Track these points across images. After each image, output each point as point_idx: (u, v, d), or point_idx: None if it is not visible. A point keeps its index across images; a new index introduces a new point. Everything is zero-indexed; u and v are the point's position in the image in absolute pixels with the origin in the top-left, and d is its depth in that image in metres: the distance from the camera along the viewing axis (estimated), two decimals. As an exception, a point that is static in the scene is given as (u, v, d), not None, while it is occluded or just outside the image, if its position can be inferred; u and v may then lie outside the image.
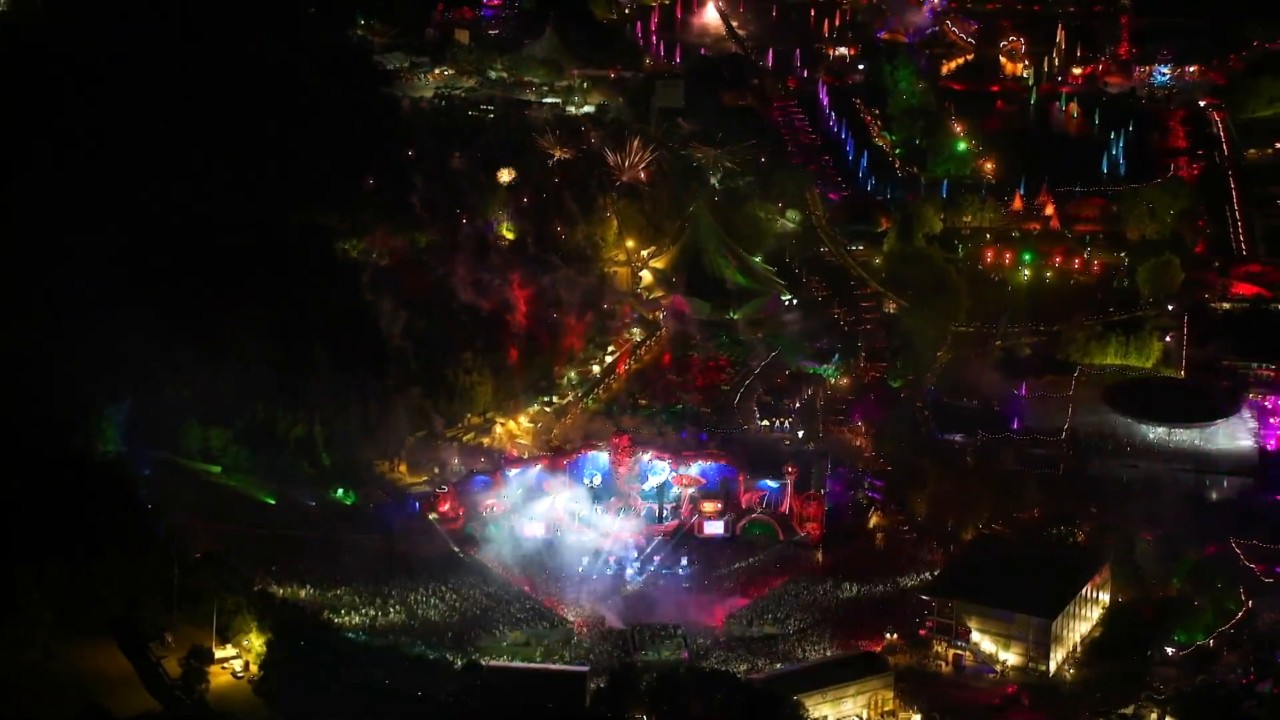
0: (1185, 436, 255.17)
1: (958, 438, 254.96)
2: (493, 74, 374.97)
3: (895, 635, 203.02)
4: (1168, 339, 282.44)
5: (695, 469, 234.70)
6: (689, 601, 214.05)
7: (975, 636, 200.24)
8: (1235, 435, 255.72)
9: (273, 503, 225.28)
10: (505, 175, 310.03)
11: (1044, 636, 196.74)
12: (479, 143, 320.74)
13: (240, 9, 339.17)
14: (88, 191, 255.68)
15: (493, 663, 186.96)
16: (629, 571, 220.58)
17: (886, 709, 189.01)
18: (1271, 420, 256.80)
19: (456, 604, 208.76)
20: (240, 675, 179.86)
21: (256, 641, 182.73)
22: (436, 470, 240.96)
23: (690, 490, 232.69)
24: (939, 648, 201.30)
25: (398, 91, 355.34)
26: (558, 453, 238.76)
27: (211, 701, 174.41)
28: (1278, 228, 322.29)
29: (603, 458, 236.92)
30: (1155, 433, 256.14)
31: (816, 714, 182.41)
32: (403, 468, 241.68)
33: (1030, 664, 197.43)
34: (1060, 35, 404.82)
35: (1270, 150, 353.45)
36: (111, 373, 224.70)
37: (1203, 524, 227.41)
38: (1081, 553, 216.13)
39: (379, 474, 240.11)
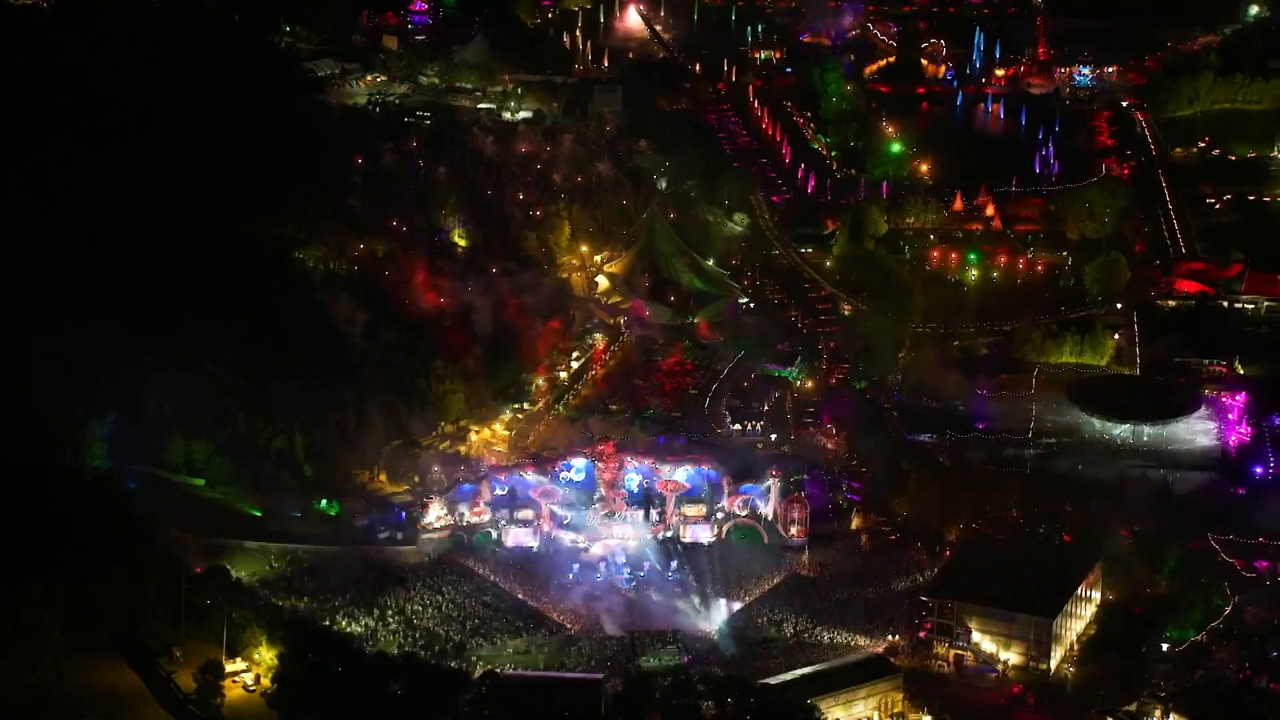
0: (1148, 433, 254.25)
1: (926, 438, 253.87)
2: (424, 80, 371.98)
3: (897, 637, 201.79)
4: (1115, 337, 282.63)
5: (679, 474, 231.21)
6: (682, 606, 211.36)
7: (976, 637, 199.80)
8: (1196, 431, 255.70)
9: (259, 515, 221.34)
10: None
11: (1045, 636, 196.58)
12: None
13: (171, 19, 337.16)
14: (45, 203, 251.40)
15: (509, 672, 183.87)
16: (619, 577, 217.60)
17: (896, 711, 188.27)
18: (1230, 415, 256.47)
19: (454, 613, 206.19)
20: (252, 688, 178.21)
21: (267, 655, 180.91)
22: (417, 479, 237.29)
23: (675, 495, 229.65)
24: (940, 649, 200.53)
25: (331, 98, 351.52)
26: (542, 460, 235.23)
27: (226, 715, 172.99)
28: (1212, 226, 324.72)
29: (586, 463, 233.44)
30: (1118, 430, 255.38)
31: (829, 717, 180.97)
32: (382, 477, 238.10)
33: (1031, 663, 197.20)
34: (979, 37, 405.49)
35: (1195, 150, 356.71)
36: (92, 387, 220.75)
37: (1173, 520, 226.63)
38: (1073, 552, 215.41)
39: (359, 483, 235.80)
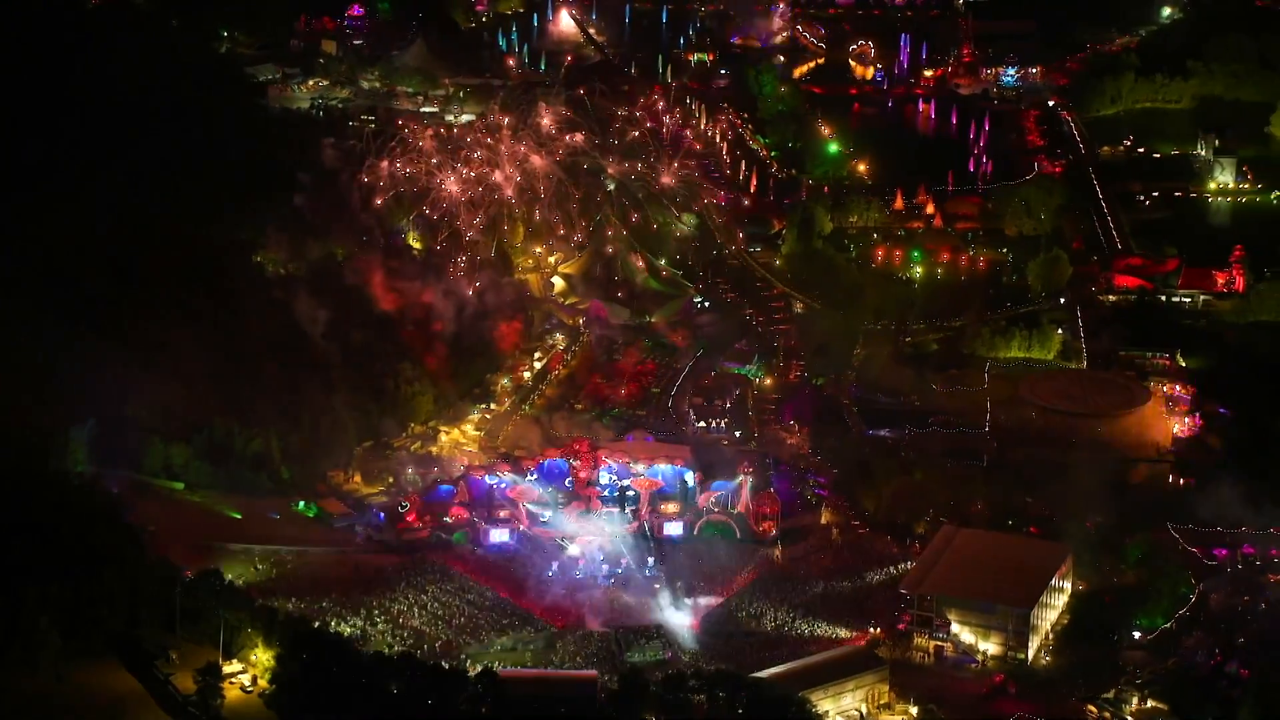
0: (1100, 426, 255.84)
1: (885, 433, 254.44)
2: (365, 84, 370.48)
3: (878, 630, 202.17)
4: (1059, 332, 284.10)
5: (653, 471, 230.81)
6: (661, 601, 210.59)
7: (954, 628, 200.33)
8: (1145, 423, 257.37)
9: (239, 517, 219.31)
10: None
11: (1023, 626, 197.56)
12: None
13: (109, 24, 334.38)
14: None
15: (506, 670, 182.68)
16: (598, 574, 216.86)
17: (882, 702, 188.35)
18: (1177, 407, 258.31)
19: (439, 612, 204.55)
20: (249, 689, 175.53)
21: (264, 656, 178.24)
22: (391, 480, 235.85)
23: (650, 492, 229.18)
24: (920, 640, 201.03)
25: (273, 102, 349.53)
26: (518, 460, 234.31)
27: (227, 716, 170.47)
28: (1143, 222, 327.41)
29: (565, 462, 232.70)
30: (1070, 422, 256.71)
31: (819, 709, 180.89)
32: (357, 478, 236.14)
33: (1010, 653, 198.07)
34: (901, 40, 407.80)
35: (1122, 148, 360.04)
36: (68, 394, 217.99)
37: (1128, 511, 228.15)
38: (1044, 543, 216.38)
39: (335, 485, 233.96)
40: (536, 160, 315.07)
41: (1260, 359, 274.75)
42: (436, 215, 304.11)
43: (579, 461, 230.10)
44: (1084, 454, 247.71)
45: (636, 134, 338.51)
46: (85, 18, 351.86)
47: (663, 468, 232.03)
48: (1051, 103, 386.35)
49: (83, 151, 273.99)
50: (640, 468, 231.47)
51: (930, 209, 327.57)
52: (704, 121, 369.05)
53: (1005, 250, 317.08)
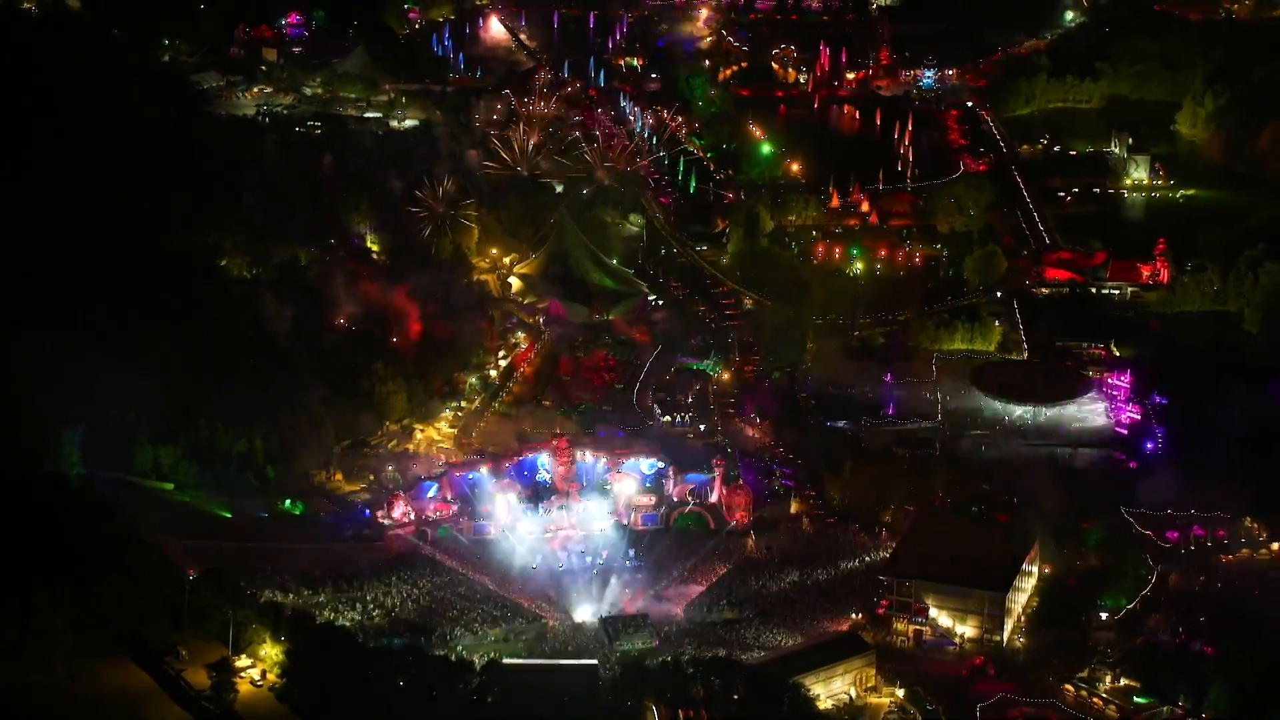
0: (1046, 415, 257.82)
1: (843, 425, 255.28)
2: (309, 90, 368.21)
3: (860, 615, 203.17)
4: (996, 324, 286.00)
5: (630, 465, 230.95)
6: (646, 592, 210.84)
7: (932, 612, 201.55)
8: (1087, 411, 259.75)
9: (229, 516, 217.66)
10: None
11: (999, 609, 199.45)
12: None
13: (52, 31, 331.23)
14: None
15: (509, 660, 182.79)
16: (581, 566, 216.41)
17: (870, 685, 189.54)
18: (1116, 394, 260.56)
19: (432, 605, 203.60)
20: (259, 683, 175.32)
21: (273, 650, 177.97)
22: (372, 477, 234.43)
23: (626, 485, 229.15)
24: (899, 625, 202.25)
25: (219, 110, 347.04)
26: (499, 456, 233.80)
27: (240, 710, 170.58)
28: (1067, 217, 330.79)
29: (544, 458, 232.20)
30: (1017, 412, 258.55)
31: (811, 694, 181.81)
32: (339, 476, 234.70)
33: (986, 635, 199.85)
34: (822, 43, 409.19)
35: (1039, 146, 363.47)
36: (55, 397, 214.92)
37: (1077, 497, 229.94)
38: (1014, 529, 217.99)
39: (318, 483, 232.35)
40: (473, 155, 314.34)
41: (1187, 348, 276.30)
42: (387, 215, 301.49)
43: (558, 457, 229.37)
44: (1034, 442, 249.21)
45: (584, 143, 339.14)
46: (29, 28, 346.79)
47: (637, 461, 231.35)
48: (970, 103, 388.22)
49: (41, 157, 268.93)
50: (617, 461, 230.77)
51: (865, 207, 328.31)
52: (637, 124, 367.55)
53: (940, 246, 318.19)
